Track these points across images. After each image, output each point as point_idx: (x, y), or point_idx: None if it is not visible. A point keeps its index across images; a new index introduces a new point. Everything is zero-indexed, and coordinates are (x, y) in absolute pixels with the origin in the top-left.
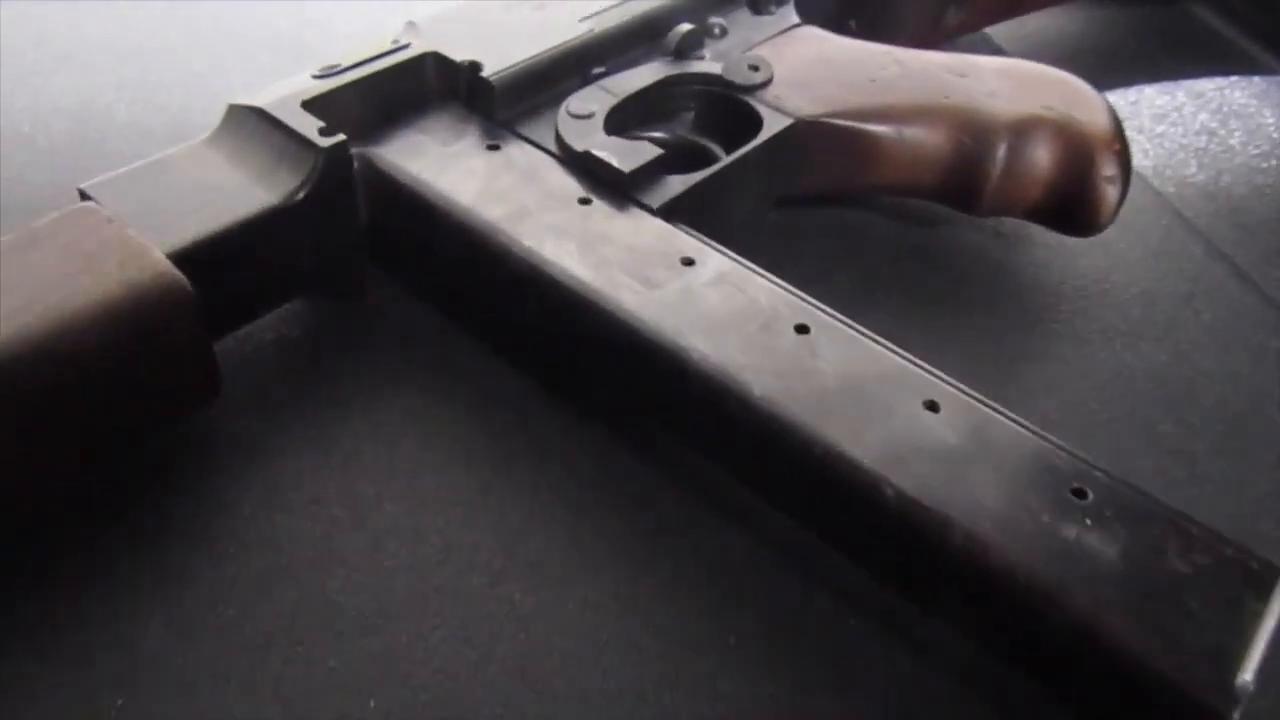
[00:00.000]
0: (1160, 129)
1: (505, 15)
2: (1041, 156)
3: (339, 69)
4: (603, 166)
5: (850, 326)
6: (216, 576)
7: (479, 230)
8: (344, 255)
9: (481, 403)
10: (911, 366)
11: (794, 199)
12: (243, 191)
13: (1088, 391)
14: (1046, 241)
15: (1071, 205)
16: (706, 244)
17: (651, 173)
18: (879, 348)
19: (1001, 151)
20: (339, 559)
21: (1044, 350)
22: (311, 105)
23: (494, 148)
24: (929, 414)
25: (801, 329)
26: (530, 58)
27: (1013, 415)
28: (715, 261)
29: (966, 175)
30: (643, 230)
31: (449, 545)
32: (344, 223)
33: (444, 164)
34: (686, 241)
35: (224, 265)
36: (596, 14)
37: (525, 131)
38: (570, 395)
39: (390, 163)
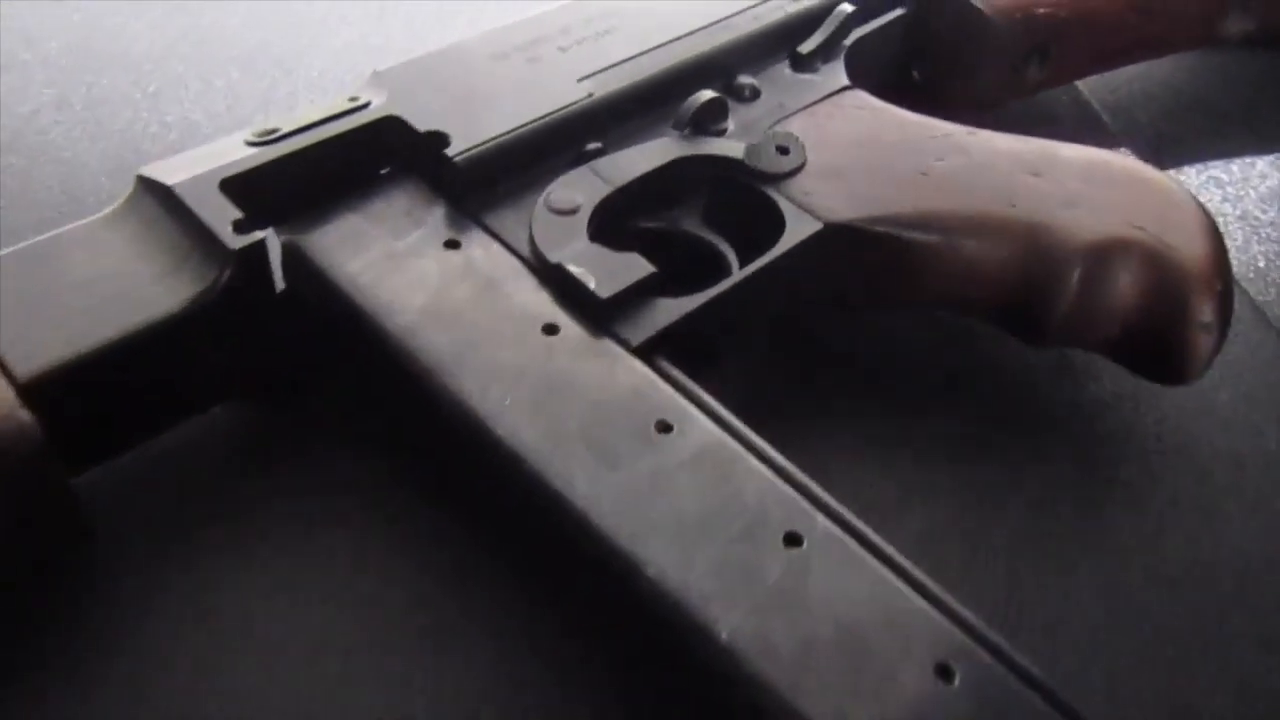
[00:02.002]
0: (1269, 216)
1: (491, 67)
2: (1123, 290)
3: (278, 134)
4: (577, 287)
5: (856, 537)
6: None
7: (415, 362)
8: (261, 365)
9: (414, 559)
10: (927, 608)
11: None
12: (138, 292)
13: (1149, 588)
14: (1114, 375)
15: (1153, 351)
16: (692, 399)
17: (636, 294)
18: (888, 575)
19: (1074, 279)
20: None
21: (1100, 525)
22: (233, 185)
23: (453, 245)
24: (940, 683)
25: (793, 540)
26: (510, 131)
27: (1047, 684)
28: (698, 430)
29: (1029, 303)
30: (616, 377)
31: None
32: (262, 328)
33: (389, 265)
34: (667, 397)
35: (104, 387)
36: (599, 72)
37: (495, 224)
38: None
39: (325, 259)
